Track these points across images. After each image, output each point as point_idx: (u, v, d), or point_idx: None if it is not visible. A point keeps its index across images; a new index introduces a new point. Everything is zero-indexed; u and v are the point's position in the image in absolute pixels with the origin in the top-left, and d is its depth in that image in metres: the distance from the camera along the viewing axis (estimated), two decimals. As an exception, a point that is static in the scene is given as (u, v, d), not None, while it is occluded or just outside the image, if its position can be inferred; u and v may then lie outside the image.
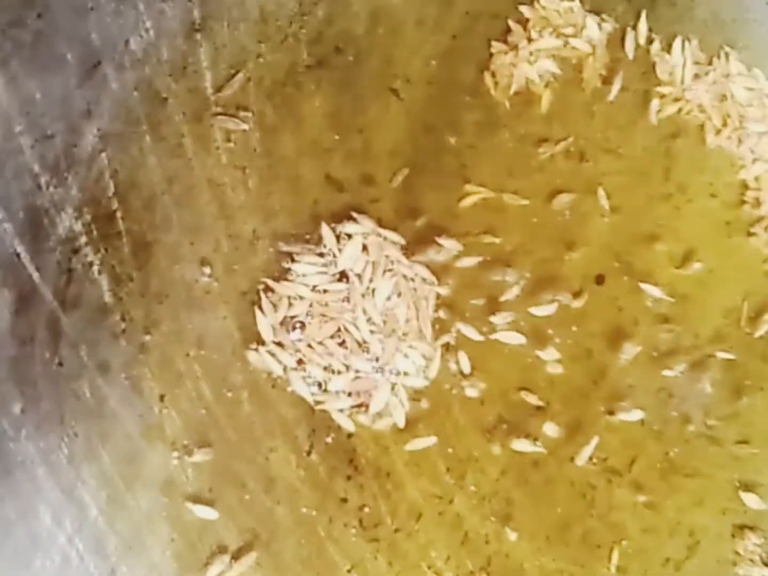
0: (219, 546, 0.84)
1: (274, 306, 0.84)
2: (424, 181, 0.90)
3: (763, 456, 0.97)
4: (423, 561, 0.87)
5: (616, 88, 0.94)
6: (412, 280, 0.87)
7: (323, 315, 0.84)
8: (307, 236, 0.86)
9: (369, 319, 0.85)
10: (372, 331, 0.85)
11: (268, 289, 0.85)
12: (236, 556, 0.83)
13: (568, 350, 0.91)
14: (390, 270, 0.86)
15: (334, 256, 0.86)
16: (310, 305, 0.84)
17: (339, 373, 0.85)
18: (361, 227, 0.86)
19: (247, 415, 0.85)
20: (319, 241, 0.86)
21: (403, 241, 0.87)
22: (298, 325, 0.85)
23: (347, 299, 0.85)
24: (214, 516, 0.83)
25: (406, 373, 0.87)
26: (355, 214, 0.86)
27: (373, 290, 0.86)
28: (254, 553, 0.83)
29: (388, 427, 0.87)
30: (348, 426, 0.86)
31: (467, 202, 0.91)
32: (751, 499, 0.93)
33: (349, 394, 0.86)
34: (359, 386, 0.86)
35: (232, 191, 0.84)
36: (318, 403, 0.86)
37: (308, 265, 0.85)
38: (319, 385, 0.86)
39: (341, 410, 0.86)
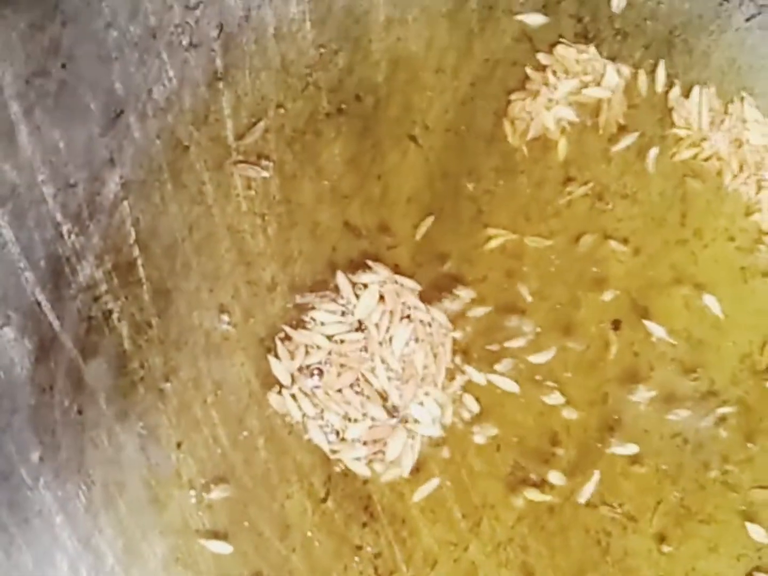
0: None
1: (291, 354, 0.84)
2: (442, 227, 0.90)
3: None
4: (438, 609, 0.87)
5: (630, 138, 0.95)
6: (429, 325, 0.87)
7: (341, 364, 0.84)
8: (324, 284, 0.86)
9: (387, 367, 0.85)
10: (390, 378, 0.85)
11: (285, 337, 0.85)
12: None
13: (583, 395, 0.91)
14: (407, 317, 0.86)
15: (351, 305, 0.85)
16: (328, 354, 0.84)
17: (356, 421, 0.85)
18: (377, 276, 0.86)
19: (263, 462, 0.85)
20: (336, 289, 0.86)
21: (419, 288, 0.87)
22: (316, 372, 0.85)
23: (365, 348, 0.85)
24: (228, 550, 0.82)
25: (419, 422, 0.87)
26: (370, 263, 0.86)
27: (391, 338, 0.85)
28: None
29: (403, 475, 0.87)
30: (364, 473, 0.85)
31: (490, 245, 0.91)
32: (757, 532, 0.93)
33: (365, 443, 0.86)
34: (375, 435, 0.85)
35: (252, 238, 0.85)
36: (334, 451, 0.85)
37: (326, 313, 0.85)
38: (336, 433, 0.85)
39: (357, 459, 0.86)
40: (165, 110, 0.81)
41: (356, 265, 0.87)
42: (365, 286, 0.86)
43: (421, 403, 0.87)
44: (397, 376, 0.86)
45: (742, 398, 0.98)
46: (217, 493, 0.84)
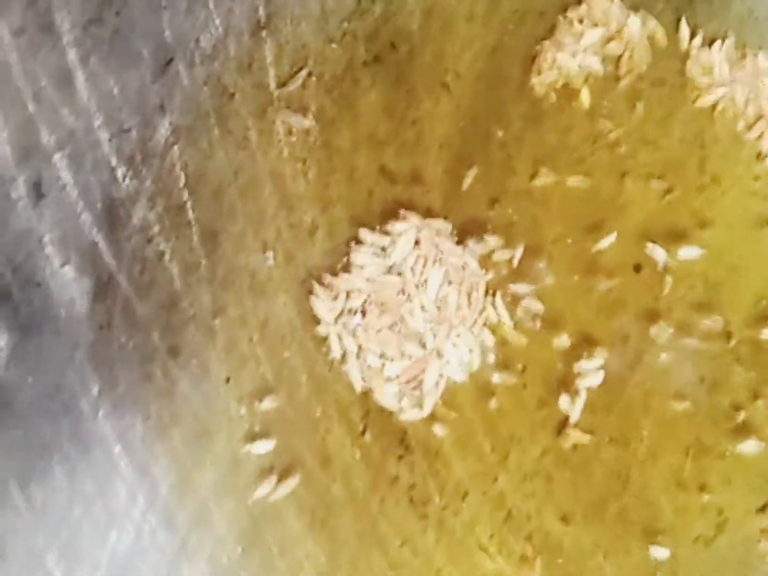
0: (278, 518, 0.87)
1: (333, 297, 0.87)
2: (471, 172, 0.93)
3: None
4: (469, 537, 0.91)
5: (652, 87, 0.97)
6: (462, 269, 0.90)
7: (382, 304, 0.87)
8: (364, 228, 0.88)
9: (423, 309, 0.88)
10: (426, 320, 0.88)
11: (326, 281, 0.88)
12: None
13: (605, 336, 0.94)
14: (440, 260, 0.89)
15: (388, 249, 0.88)
16: (367, 296, 0.87)
17: (392, 360, 0.88)
18: (411, 222, 0.89)
19: (305, 397, 0.88)
20: (374, 233, 0.89)
21: (450, 228, 0.90)
22: (359, 311, 0.88)
23: (402, 291, 0.88)
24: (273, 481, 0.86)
25: (449, 362, 0.90)
26: (403, 212, 0.89)
27: (425, 281, 0.88)
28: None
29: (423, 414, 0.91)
30: (395, 408, 0.89)
31: (539, 182, 0.94)
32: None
33: (399, 380, 0.89)
34: (412, 371, 0.89)
35: (293, 182, 0.87)
36: (368, 388, 0.89)
37: (365, 256, 0.88)
38: (373, 370, 0.88)
39: (389, 394, 0.89)
40: (212, 58, 0.83)
41: (392, 208, 0.89)
42: (400, 232, 0.89)
43: (454, 345, 0.90)
44: (432, 317, 0.89)
45: (755, 339, 1.01)
46: (262, 425, 0.87)
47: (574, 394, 0.94)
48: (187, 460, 0.84)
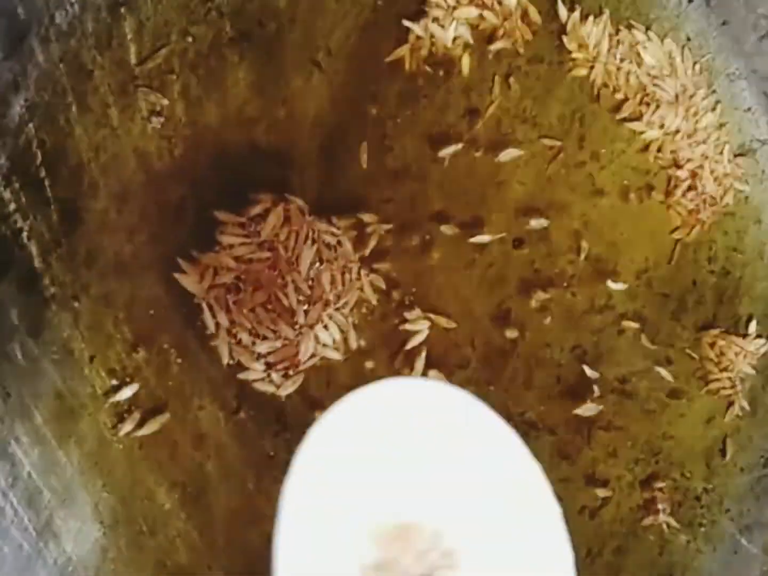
0: (148, 496, 0.87)
1: (201, 275, 0.87)
2: (347, 150, 0.93)
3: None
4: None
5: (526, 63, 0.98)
6: (335, 248, 0.91)
7: (255, 281, 0.87)
8: (232, 205, 0.88)
9: (296, 286, 0.88)
10: (299, 300, 0.88)
11: (193, 259, 0.87)
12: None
13: (487, 310, 0.96)
14: (312, 238, 0.89)
15: (258, 226, 0.88)
16: (238, 274, 0.87)
17: (264, 338, 0.88)
18: (279, 197, 0.89)
19: (176, 374, 0.88)
20: (243, 211, 0.88)
21: (306, 209, 0.90)
22: (232, 286, 0.88)
23: (274, 267, 0.88)
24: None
25: (323, 344, 0.90)
26: (261, 195, 0.89)
27: (298, 258, 0.88)
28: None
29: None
30: (265, 389, 0.89)
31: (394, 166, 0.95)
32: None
33: (268, 360, 0.89)
34: (282, 353, 0.89)
35: (159, 160, 0.86)
36: (236, 367, 0.89)
37: (233, 236, 0.88)
38: (244, 347, 0.88)
39: (261, 378, 0.90)
40: (68, 35, 0.83)
41: (263, 187, 0.89)
42: (271, 206, 0.89)
43: (326, 327, 0.90)
44: (305, 296, 0.89)
45: (639, 312, 1.03)
46: (130, 404, 0.87)
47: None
48: (51, 440, 0.83)
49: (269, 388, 0.89)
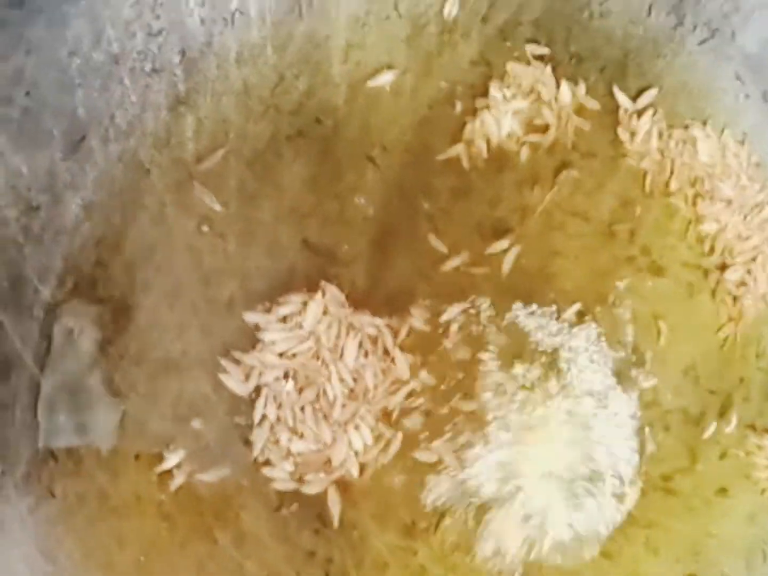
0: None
1: (246, 376, 0.86)
2: (398, 244, 0.92)
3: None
4: (389, 612, 0.90)
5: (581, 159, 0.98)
6: (376, 341, 0.90)
7: (305, 377, 0.86)
8: (277, 301, 0.88)
9: (340, 377, 0.87)
10: (342, 392, 0.87)
11: (236, 359, 0.87)
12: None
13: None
14: (354, 328, 0.88)
15: (300, 320, 0.87)
16: (286, 373, 0.86)
17: (302, 436, 0.87)
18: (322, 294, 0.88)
19: (219, 474, 0.87)
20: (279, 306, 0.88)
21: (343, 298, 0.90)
22: (290, 375, 0.87)
23: (317, 357, 0.87)
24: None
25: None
26: (322, 283, 0.89)
27: (342, 348, 0.88)
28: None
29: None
30: (286, 487, 0.89)
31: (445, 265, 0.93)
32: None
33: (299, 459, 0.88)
34: (315, 457, 0.88)
35: (211, 256, 0.86)
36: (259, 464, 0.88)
37: (276, 332, 0.87)
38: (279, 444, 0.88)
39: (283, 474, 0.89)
40: (127, 134, 0.83)
41: (314, 282, 0.89)
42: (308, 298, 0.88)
43: (356, 427, 0.89)
44: (349, 388, 0.88)
45: (685, 408, 1.02)
46: (172, 503, 0.86)
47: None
48: (106, 538, 0.83)
49: (290, 486, 0.87)
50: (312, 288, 0.89)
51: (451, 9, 0.94)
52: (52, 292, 0.81)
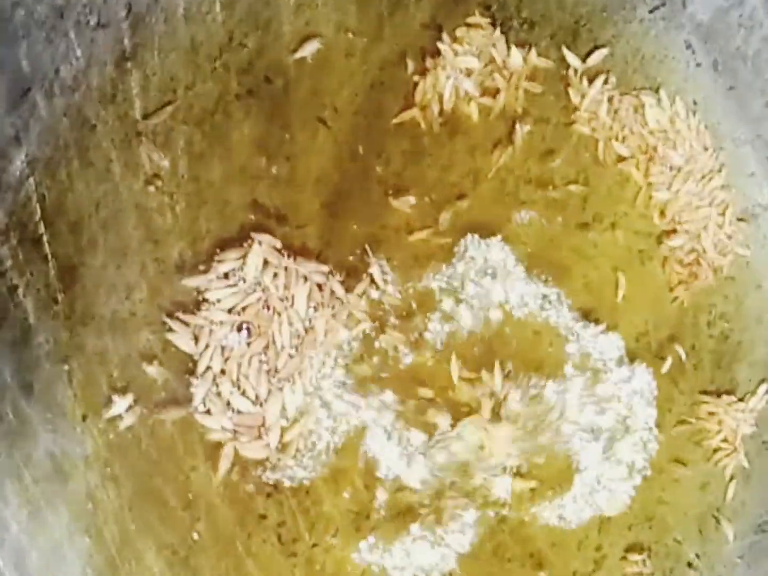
0: (136, 558, 0.86)
1: (195, 336, 0.86)
2: (350, 207, 0.92)
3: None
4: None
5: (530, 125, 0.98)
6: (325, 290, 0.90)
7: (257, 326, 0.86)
8: (215, 259, 0.88)
9: (291, 324, 0.88)
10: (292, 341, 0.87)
11: (184, 322, 0.87)
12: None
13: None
14: (304, 277, 0.88)
15: (243, 273, 0.87)
16: (233, 325, 0.86)
17: (243, 392, 0.88)
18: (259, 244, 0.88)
19: (169, 435, 0.87)
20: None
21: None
22: (244, 326, 0.87)
23: (267, 307, 0.87)
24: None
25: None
26: (254, 234, 0.88)
27: (292, 297, 0.88)
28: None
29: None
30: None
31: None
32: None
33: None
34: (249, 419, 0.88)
35: (160, 216, 0.85)
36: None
37: (218, 290, 0.87)
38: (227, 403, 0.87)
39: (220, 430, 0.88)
40: (72, 89, 0.82)
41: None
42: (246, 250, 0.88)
43: (293, 384, 0.89)
44: (299, 338, 0.87)
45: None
46: (120, 465, 0.85)
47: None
48: (40, 500, 0.82)
49: (226, 437, 0.88)
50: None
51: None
52: (-4, 249, 0.79)
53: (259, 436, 0.89)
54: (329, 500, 0.91)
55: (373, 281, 0.92)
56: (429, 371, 0.93)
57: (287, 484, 0.89)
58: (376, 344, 0.93)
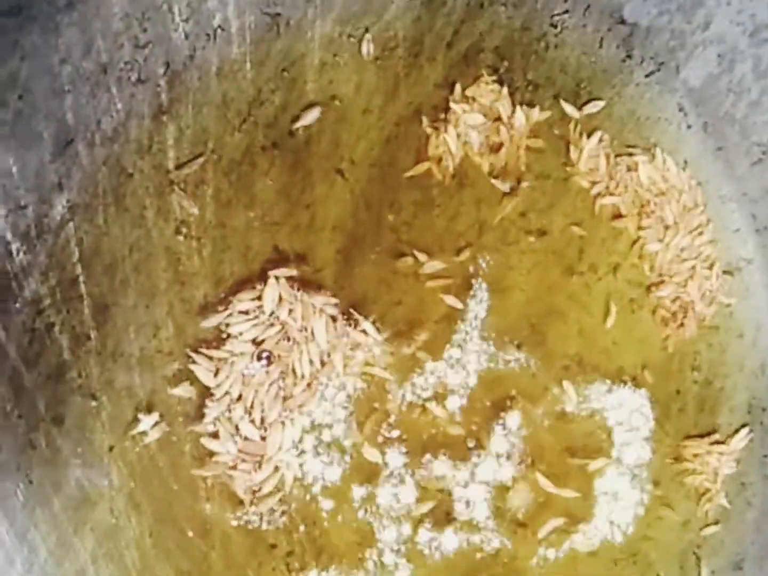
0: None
1: (216, 368, 0.91)
2: (363, 253, 0.98)
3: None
4: (343, 601, 0.95)
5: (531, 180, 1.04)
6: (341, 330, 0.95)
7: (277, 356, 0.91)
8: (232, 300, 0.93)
9: (310, 358, 0.93)
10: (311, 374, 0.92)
11: (206, 356, 0.92)
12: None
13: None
14: (319, 310, 0.93)
15: (260, 309, 0.92)
16: (253, 356, 0.92)
17: (252, 422, 0.92)
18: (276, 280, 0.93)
19: (187, 466, 0.92)
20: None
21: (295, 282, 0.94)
22: (264, 355, 0.92)
23: (287, 337, 0.93)
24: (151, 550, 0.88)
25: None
26: (271, 273, 0.93)
27: (312, 330, 0.93)
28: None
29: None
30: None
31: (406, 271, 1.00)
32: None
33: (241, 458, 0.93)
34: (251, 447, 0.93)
35: (187, 259, 0.90)
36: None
37: (240, 324, 0.92)
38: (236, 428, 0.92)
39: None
40: (112, 140, 0.87)
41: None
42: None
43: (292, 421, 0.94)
44: (317, 370, 0.93)
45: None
46: (142, 494, 0.90)
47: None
48: (68, 527, 0.86)
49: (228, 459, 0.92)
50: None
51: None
52: (36, 288, 0.84)
53: (259, 466, 0.92)
54: (336, 532, 0.95)
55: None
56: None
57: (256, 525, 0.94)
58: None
